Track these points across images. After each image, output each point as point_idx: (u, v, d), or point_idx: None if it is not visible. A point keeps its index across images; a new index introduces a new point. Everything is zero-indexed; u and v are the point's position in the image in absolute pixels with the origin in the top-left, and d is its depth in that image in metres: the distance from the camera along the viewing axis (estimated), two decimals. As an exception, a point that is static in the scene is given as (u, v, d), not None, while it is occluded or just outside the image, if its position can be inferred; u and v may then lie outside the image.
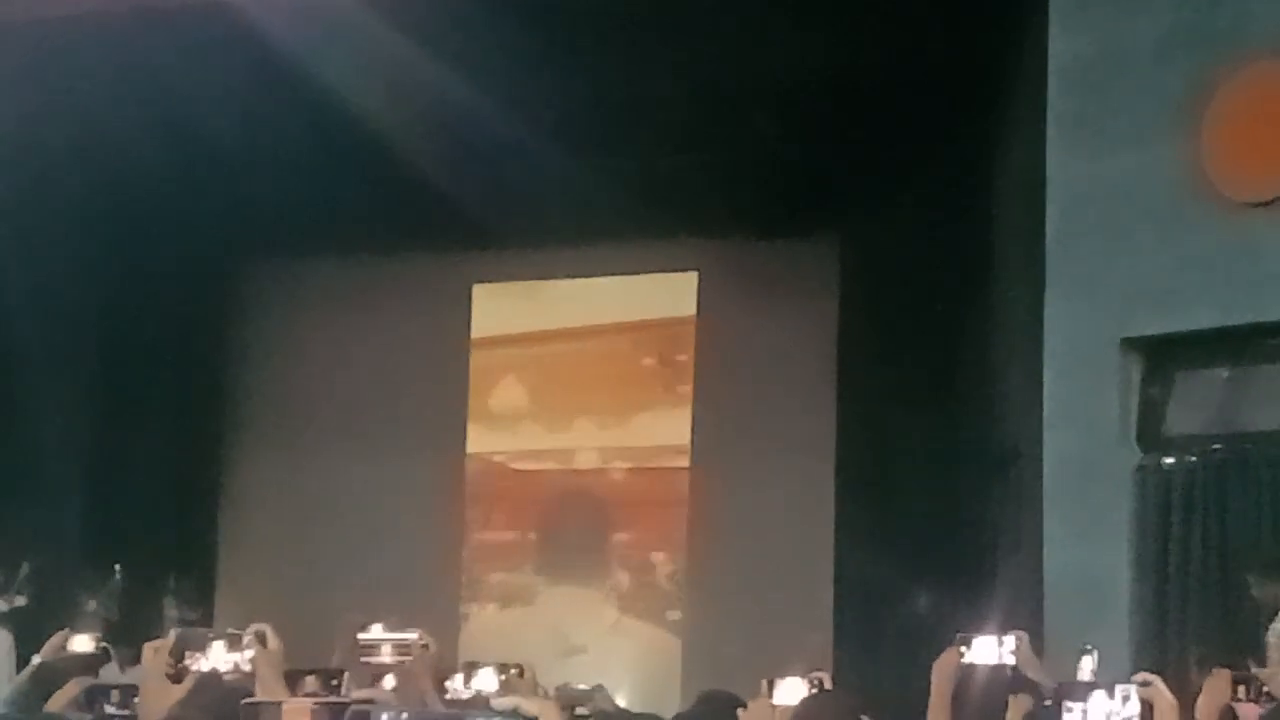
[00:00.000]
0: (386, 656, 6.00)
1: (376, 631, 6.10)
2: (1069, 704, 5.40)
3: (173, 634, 5.22)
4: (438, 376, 14.77)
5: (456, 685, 6.20)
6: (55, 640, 6.76)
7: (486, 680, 6.42)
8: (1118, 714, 5.29)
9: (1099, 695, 5.42)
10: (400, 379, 14.70)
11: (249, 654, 5.06)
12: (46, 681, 6.30)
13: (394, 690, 6.05)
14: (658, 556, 14.20)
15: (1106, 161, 9.25)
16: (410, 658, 5.96)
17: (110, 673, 7.06)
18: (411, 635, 6.02)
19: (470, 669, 6.54)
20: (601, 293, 14.54)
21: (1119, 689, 5.38)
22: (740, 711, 5.65)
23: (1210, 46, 8.92)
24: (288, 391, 15.11)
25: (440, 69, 11.02)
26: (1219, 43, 8.90)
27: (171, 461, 14.53)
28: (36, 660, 6.69)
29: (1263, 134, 8.69)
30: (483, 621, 14.07)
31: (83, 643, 6.73)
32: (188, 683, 4.86)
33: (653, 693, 13.23)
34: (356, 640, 6.07)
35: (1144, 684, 5.37)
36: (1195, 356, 9.17)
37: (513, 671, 6.59)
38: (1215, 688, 5.81)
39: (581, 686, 9.12)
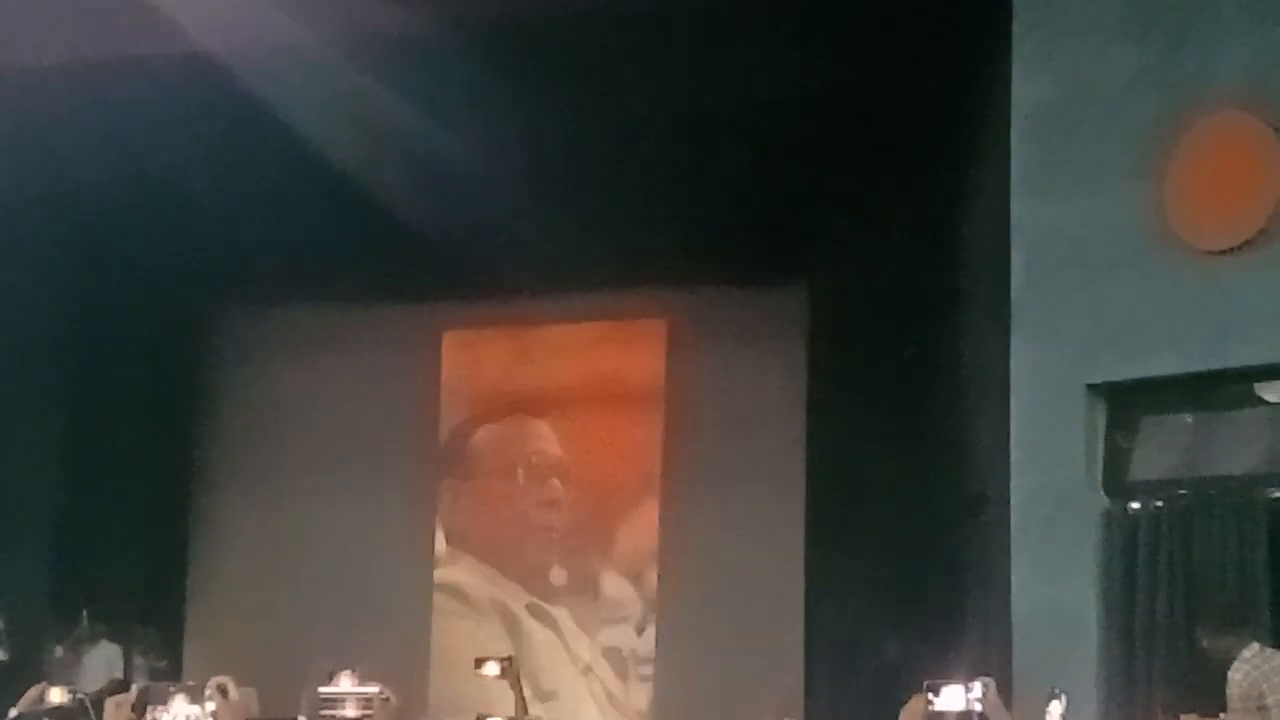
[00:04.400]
0: (350, 710, 5.97)
1: (339, 686, 6.07)
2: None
3: (134, 688, 5.22)
4: (408, 421, 14.75)
5: None
6: (32, 693, 6.75)
7: None
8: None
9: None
10: (371, 424, 14.68)
11: (210, 706, 5.06)
12: None
13: None
14: (628, 600, 14.17)
15: (1072, 206, 9.30)
16: (371, 712, 5.94)
17: None
18: (373, 689, 6.00)
19: None
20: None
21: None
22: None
23: (1174, 93, 8.98)
24: (258, 437, 15.07)
25: (410, 115, 11.08)
26: (1182, 89, 8.96)
27: (141, 508, 14.47)
28: (13, 714, 6.68)
29: (1226, 181, 8.74)
30: (452, 666, 14.01)
31: (59, 695, 6.72)
32: (150, 735, 4.87)
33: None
34: (318, 694, 6.04)
35: None
36: (1160, 401, 9.22)
37: None
38: (1181, 733, 5.84)
39: None
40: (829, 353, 12.75)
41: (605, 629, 14.16)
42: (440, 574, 14.63)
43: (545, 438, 14.57)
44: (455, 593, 14.57)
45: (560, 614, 14.26)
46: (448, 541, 14.69)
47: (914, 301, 11.77)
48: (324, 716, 5.86)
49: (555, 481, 14.50)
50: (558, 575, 14.36)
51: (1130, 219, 9.06)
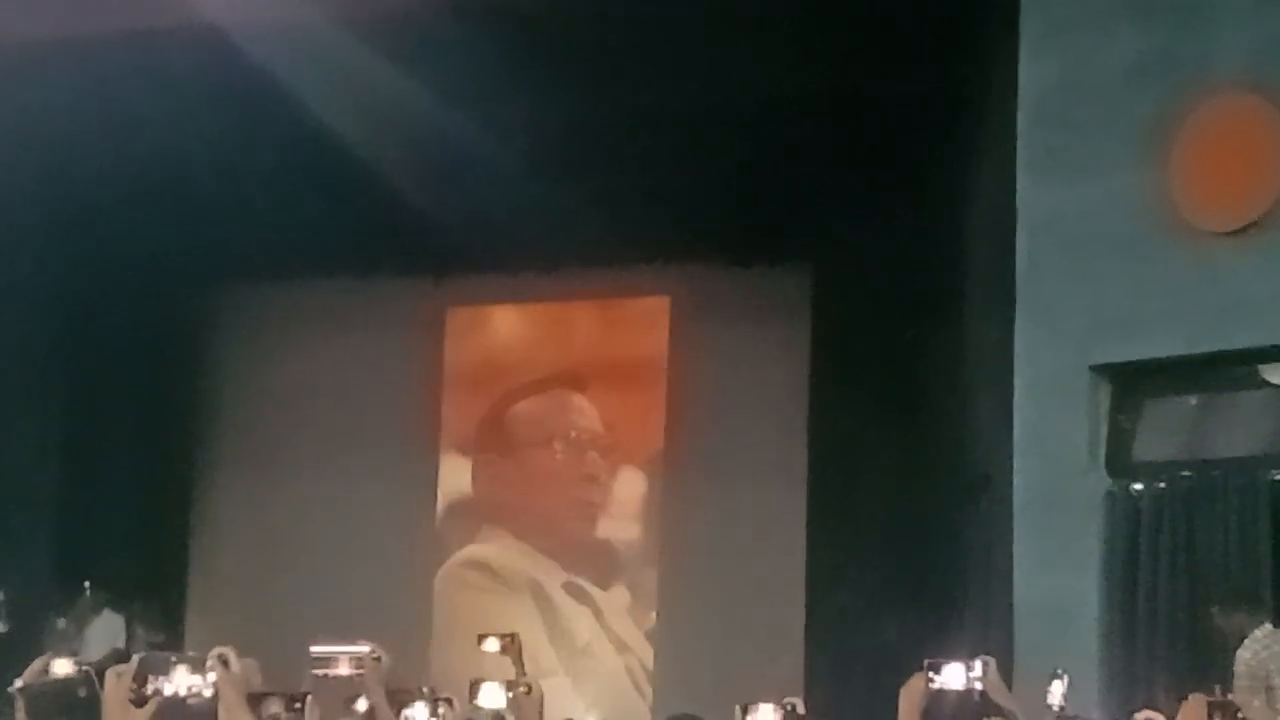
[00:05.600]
0: (342, 669, 5.94)
1: (328, 644, 6.03)
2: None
3: (135, 659, 5.20)
4: (411, 400, 14.75)
5: (416, 714, 6.15)
6: (36, 665, 6.72)
7: (492, 695, 6.50)
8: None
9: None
10: (373, 403, 14.68)
11: (212, 677, 5.04)
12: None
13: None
14: (630, 580, 14.18)
15: (1076, 190, 9.29)
16: (363, 671, 5.92)
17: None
18: (364, 648, 5.97)
19: (475, 685, 6.61)
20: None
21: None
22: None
23: (1178, 76, 8.98)
24: (259, 415, 15.07)
25: (413, 93, 11.05)
26: (1187, 72, 8.96)
27: (142, 486, 14.48)
28: (19, 684, 6.66)
29: (1229, 163, 8.74)
30: (453, 644, 14.01)
31: (64, 666, 6.70)
32: (150, 707, 4.85)
33: (624, 718, 13.23)
34: (310, 654, 6.01)
35: None
36: (1163, 383, 9.22)
37: (521, 689, 6.65)
38: (1191, 714, 5.81)
39: None
40: (832, 333, 12.76)
41: (605, 608, 14.17)
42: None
43: (551, 413, 14.57)
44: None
45: (557, 595, 14.27)
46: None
47: (917, 283, 11.77)
48: (315, 675, 5.82)
49: (556, 460, 14.52)
50: (554, 555, 14.37)
51: (1135, 201, 9.06)
